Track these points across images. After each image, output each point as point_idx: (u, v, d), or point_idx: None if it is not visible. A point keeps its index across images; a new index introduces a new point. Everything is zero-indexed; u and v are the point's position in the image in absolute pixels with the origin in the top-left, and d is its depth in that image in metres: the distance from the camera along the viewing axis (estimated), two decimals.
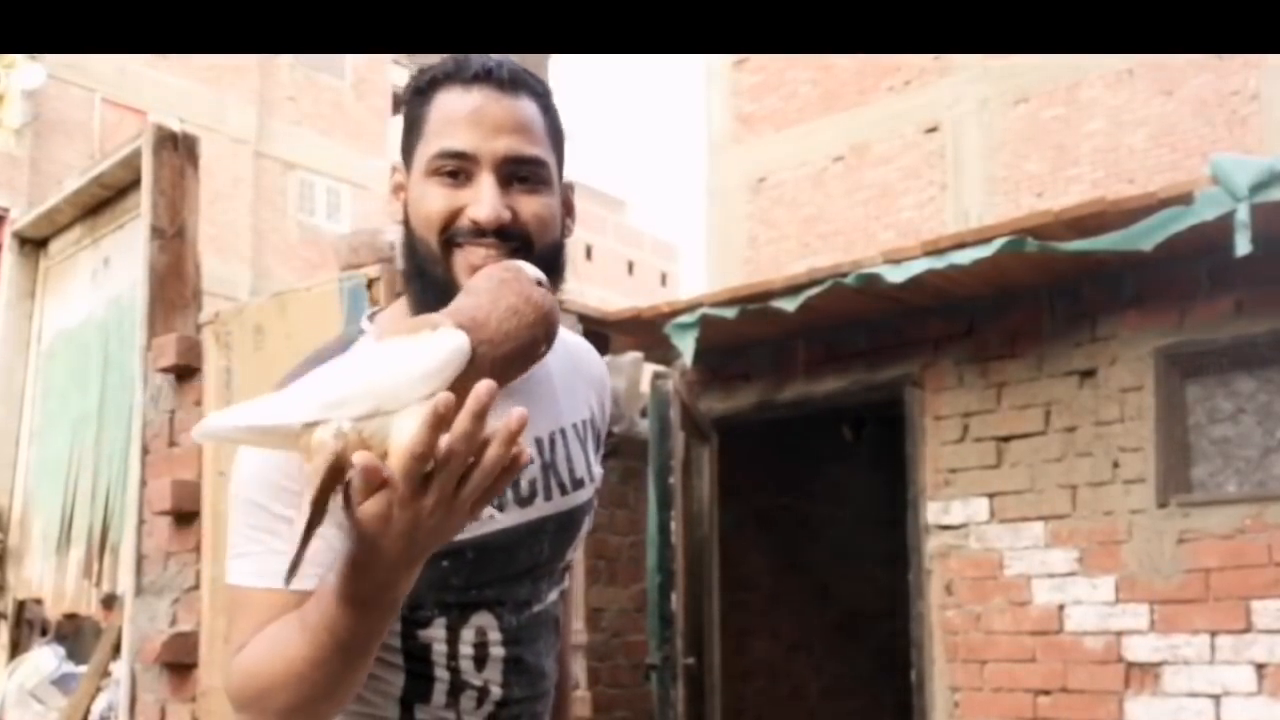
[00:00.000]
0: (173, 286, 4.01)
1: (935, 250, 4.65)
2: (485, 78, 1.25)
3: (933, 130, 11.14)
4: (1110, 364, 4.73)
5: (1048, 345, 4.90)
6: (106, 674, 4.18)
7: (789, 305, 4.95)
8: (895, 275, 4.66)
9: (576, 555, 1.53)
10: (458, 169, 1.24)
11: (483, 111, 1.24)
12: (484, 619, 1.29)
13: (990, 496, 4.99)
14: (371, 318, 1.35)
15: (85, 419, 4.43)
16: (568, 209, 1.32)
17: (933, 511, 5.15)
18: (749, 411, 5.88)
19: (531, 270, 1.09)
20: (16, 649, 4.66)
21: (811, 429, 6.86)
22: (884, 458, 6.72)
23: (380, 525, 0.96)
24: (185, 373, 3.82)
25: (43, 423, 4.79)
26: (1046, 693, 4.76)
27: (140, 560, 3.88)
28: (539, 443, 1.32)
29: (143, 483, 3.90)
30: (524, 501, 1.30)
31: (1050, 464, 4.84)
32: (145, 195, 4.04)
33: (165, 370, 3.86)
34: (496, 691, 1.30)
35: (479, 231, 1.23)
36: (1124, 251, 4.27)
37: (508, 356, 1.04)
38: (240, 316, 3.63)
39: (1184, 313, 4.61)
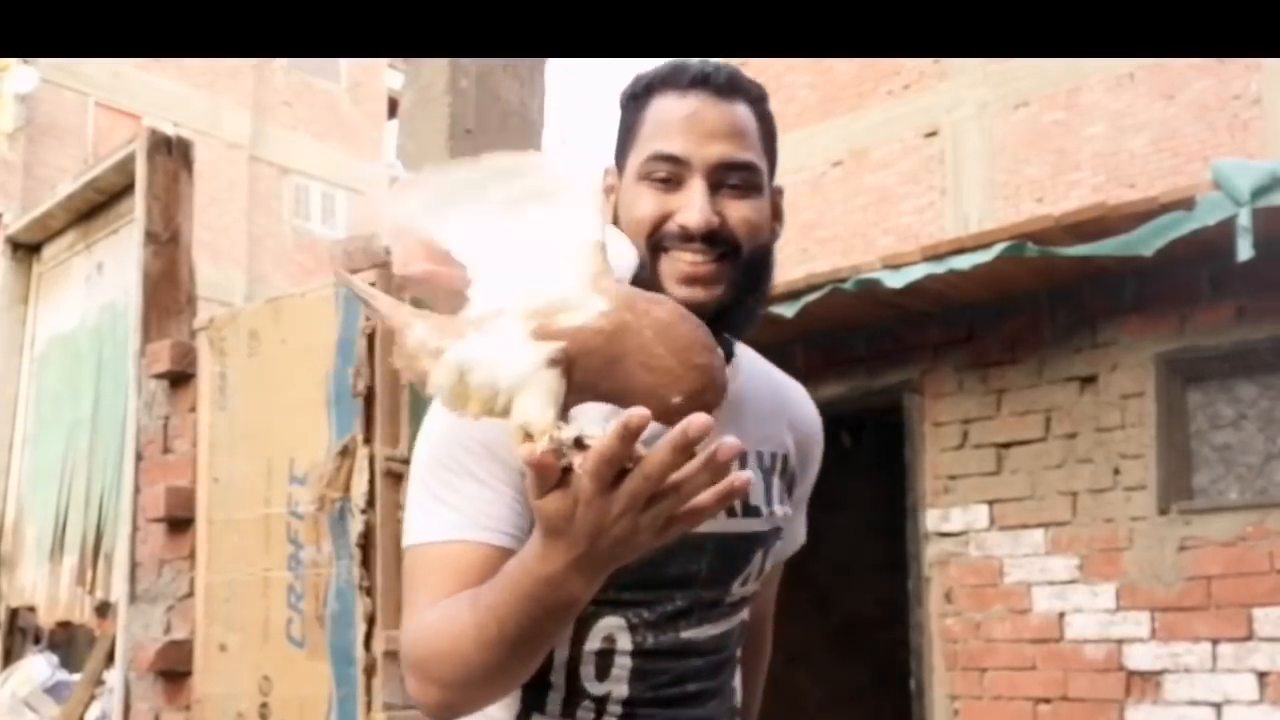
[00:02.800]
0: (167, 292, 3.98)
1: (935, 255, 4.64)
2: (702, 83, 1.24)
3: (932, 135, 11.12)
4: (1111, 370, 4.71)
5: (1048, 351, 4.88)
6: (100, 682, 4.15)
7: (787, 311, 4.93)
8: (894, 281, 4.65)
9: (767, 603, 1.54)
10: (669, 174, 1.23)
11: (697, 117, 1.23)
12: (613, 623, 1.23)
13: (990, 503, 4.97)
14: None
15: (79, 425, 4.40)
16: (775, 213, 1.31)
17: (932, 519, 5.13)
18: None
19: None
20: (9, 657, 4.63)
21: None
22: (883, 464, 6.69)
23: (562, 521, 0.94)
24: (179, 378, 3.79)
25: (36, 429, 4.76)
26: (1047, 701, 4.73)
27: (134, 567, 3.85)
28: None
29: (136, 489, 3.86)
30: None
31: (1050, 471, 4.82)
32: (139, 200, 4.01)
33: (159, 376, 3.83)
34: (616, 708, 1.24)
35: (687, 237, 1.22)
36: (1125, 257, 4.26)
37: (620, 388, 0.97)
38: (235, 322, 3.60)
39: (1185, 318, 4.59)
